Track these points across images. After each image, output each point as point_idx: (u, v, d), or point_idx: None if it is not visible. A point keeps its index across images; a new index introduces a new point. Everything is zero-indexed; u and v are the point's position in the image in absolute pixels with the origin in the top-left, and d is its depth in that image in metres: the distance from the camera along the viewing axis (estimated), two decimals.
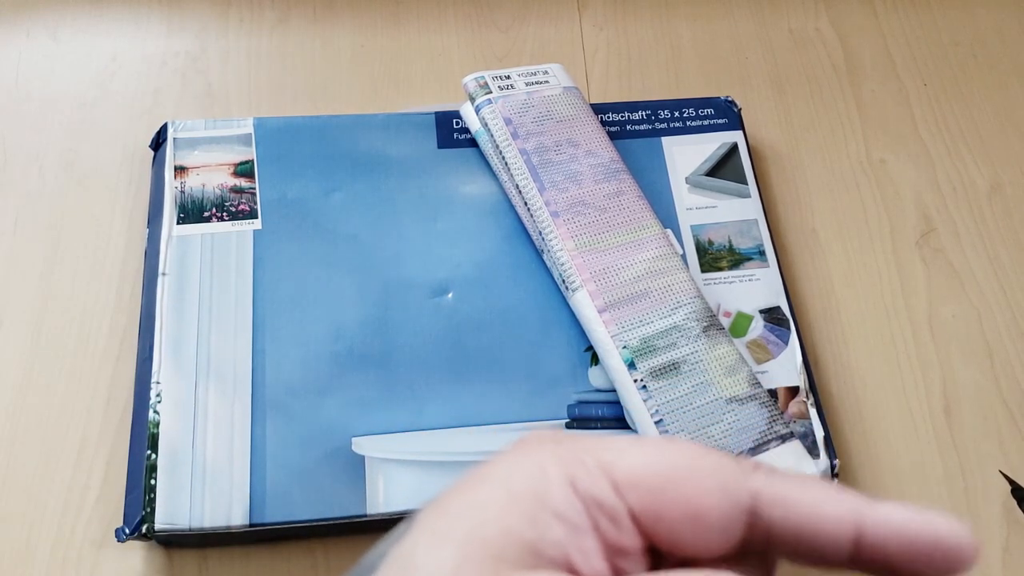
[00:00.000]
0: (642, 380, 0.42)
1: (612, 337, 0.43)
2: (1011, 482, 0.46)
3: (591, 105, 0.52)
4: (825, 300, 0.51)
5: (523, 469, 0.20)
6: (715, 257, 0.49)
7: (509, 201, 0.49)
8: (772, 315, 0.47)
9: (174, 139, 0.49)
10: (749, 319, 0.47)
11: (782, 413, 0.44)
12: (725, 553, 0.20)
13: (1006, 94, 0.58)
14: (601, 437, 0.21)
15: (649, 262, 0.45)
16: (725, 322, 0.47)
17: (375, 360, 0.44)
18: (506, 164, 0.48)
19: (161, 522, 0.40)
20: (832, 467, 0.43)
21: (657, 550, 0.20)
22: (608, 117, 0.52)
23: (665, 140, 0.52)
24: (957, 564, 0.19)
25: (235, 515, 0.40)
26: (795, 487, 0.20)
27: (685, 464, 0.20)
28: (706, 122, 0.53)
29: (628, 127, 0.52)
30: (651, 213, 0.47)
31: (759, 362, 0.46)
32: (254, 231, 0.47)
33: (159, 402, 0.42)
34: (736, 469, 0.20)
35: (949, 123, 0.57)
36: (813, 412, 0.44)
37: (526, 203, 0.47)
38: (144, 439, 0.42)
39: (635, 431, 0.43)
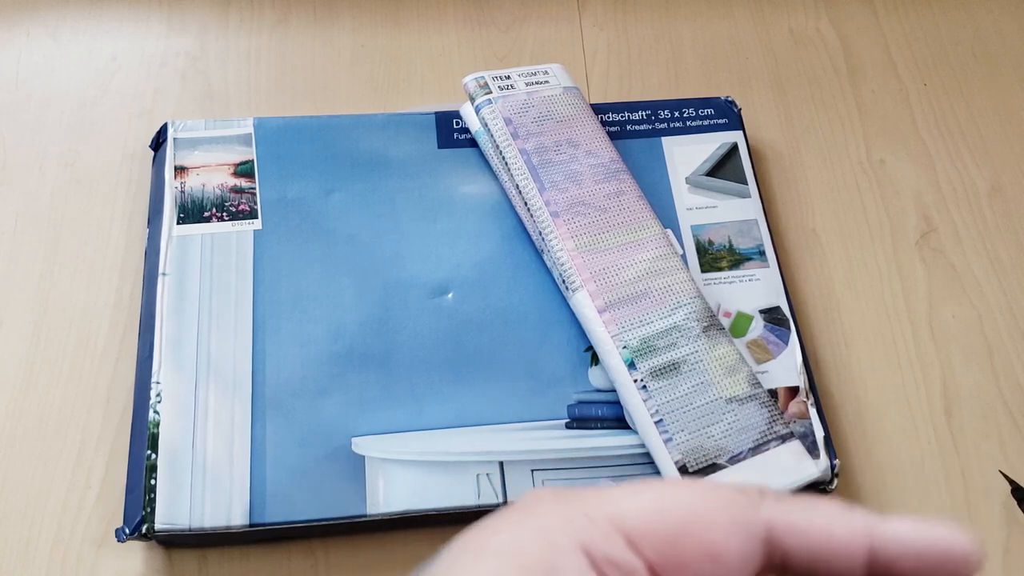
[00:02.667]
0: (642, 380, 0.42)
1: (612, 337, 0.43)
2: (1011, 482, 0.46)
3: (591, 105, 0.52)
4: (825, 300, 0.51)
5: (529, 538, 0.19)
6: (715, 257, 0.49)
7: (509, 201, 0.49)
8: (772, 315, 0.47)
9: (174, 139, 0.49)
10: (749, 319, 0.47)
11: (782, 413, 0.44)
12: None
13: (1006, 94, 0.58)
14: (603, 488, 0.20)
15: (649, 262, 0.45)
16: (725, 322, 0.47)
17: (375, 360, 0.44)
18: (506, 164, 0.48)
19: (161, 522, 0.40)
20: (832, 467, 0.43)
21: None
22: (608, 117, 0.52)
23: (665, 140, 0.52)
24: (965, 573, 0.20)
25: (235, 515, 0.40)
26: (806, 512, 0.20)
27: (696, 505, 0.19)
28: (706, 122, 0.53)
29: (628, 127, 0.52)
30: (651, 213, 0.47)
31: (759, 362, 0.46)
32: (254, 231, 0.47)
33: (159, 402, 0.42)
34: (746, 502, 0.20)
35: (949, 123, 0.57)
36: (813, 412, 0.44)
37: (526, 203, 0.47)
38: (144, 439, 0.42)
39: (635, 431, 0.43)
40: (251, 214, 0.48)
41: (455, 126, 0.51)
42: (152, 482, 0.40)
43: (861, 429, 0.47)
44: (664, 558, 0.19)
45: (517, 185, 0.47)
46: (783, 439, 0.42)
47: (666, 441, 0.41)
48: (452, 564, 0.19)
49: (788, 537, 0.20)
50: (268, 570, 0.42)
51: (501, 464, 0.42)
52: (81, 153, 0.52)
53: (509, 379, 0.44)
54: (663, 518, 0.19)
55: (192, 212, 0.47)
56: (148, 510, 0.40)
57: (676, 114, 0.53)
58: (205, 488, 0.41)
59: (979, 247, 0.53)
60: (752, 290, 0.48)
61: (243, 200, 0.48)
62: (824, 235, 0.53)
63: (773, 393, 0.45)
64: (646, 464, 0.43)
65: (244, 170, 0.49)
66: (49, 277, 0.48)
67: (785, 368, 0.46)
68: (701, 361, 0.43)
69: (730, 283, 0.48)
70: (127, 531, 0.40)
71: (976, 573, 0.20)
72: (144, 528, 0.40)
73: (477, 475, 0.42)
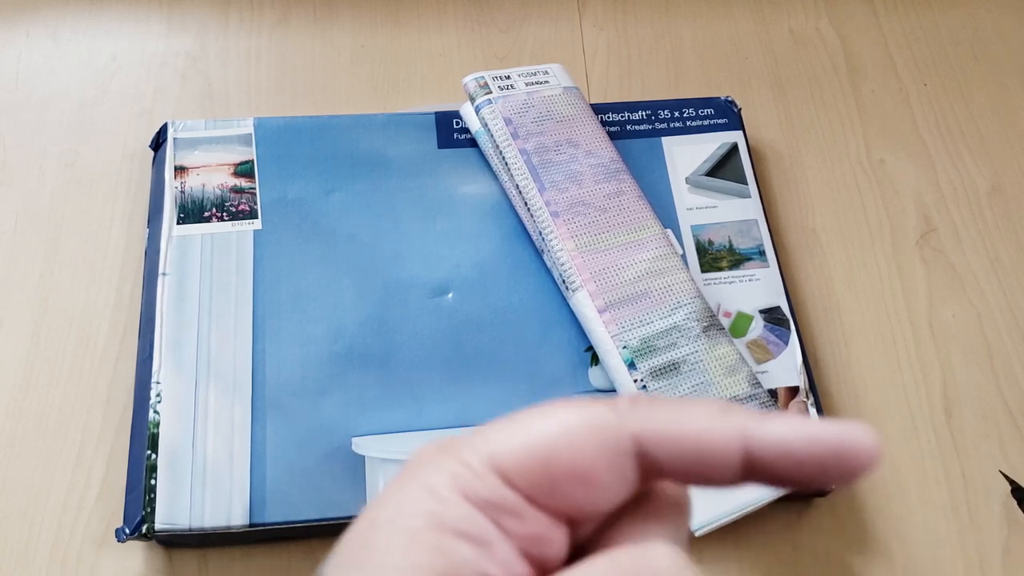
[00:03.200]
0: (642, 380, 0.42)
1: (612, 337, 0.43)
2: (1011, 482, 0.46)
3: (591, 105, 0.52)
4: (825, 300, 0.51)
5: (412, 498, 0.19)
6: (715, 257, 0.49)
7: (509, 201, 0.49)
8: (772, 315, 0.47)
9: (174, 139, 0.49)
10: (749, 319, 0.47)
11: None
12: (631, 496, 0.20)
13: (1006, 94, 0.58)
14: (483, 428, 0.20)
15: (649, 262, 0.45)
16: (725, 322, 0.47)
17: (375, 360, 0.44)
18: (506, 164, 0.48)
19: (161, 522, 0.40)
20: None
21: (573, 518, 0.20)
22: (608, 117, 0.52)
23: (665, 140, 0.52)
24: (853, 472, 0.19)
25: (235, 515, 0.40)
26: (676, 418, 0.19)
27: (561, 430, 0.19)
28: (706, 122, 0.53)
29: (628, 127, 0.52)
30: (651, 213, 0.47)
31: (759, 362, 0.46)
32: (254, 231, 0.47)
33: (159, 402, 0.42)
34: (611, 418, 0.19)
35: (949, 123, 0.57)
36: (813, 412, 0.44)
37: (526, 203, 0.47)
38: (144, 439, 0.42)
39: None
40: (251, 214, 0.48)
41: (455, 126, 0.51)
42: (152, 482, 0.40)
43: None
44: (539, 488, 0.19)
45: (517, 185, 0.47)
46: None
47: None
48: (353, 544, 0.19)
49: (658, 447, 0.19)
50: (268, 570, 0.42)
51: None
52: (81, 153, 0.52)
53: (509, 379, 0.44)
54: (531, 449, 0.19)
55: (192, 212, 0.47)
56: (148, 510, 0.40)
57: (676, 114, 0.53)
58: (205, 488, 0.41)
59: (979, 247, 0.53)
60: (752, 290, 0.48)
61: (243, 200, 0.48)
62: (824, 235, 0.53)
63: (773, 393, 0.45)
64: None
65: (244, 170, 0.49)
66: (49, 277, 0.48)
67: (785, 368, 0.46)
68: (701, 361, 0.43)
69: (730, 283, 0.48)
70: (127, 531, 0.40)
71: (869, 470, 0.19)
72: (144, 528, 0.40)
73: None
